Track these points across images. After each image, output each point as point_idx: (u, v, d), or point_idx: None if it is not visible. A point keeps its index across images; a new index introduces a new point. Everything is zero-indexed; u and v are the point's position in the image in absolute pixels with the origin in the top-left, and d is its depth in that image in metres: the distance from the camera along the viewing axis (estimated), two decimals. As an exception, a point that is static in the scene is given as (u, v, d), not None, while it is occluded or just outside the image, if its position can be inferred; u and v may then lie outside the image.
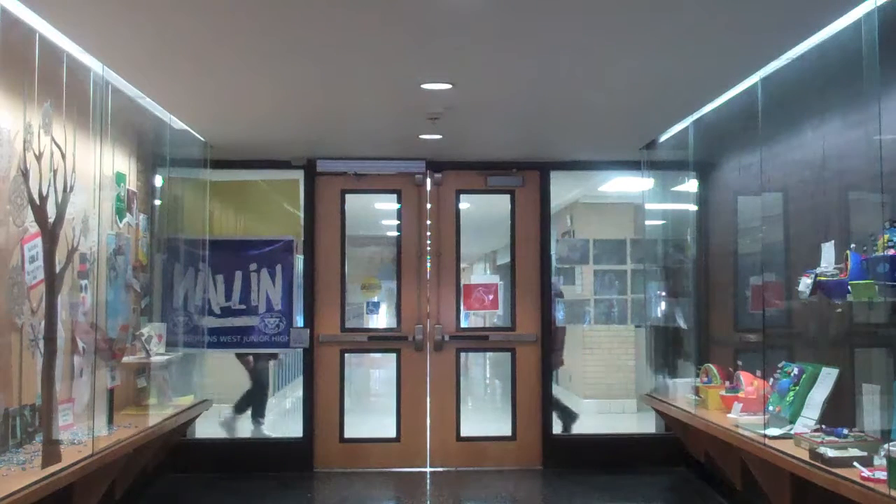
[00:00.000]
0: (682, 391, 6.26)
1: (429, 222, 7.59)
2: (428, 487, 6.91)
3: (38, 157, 4.20)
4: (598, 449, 7.27)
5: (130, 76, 4.82)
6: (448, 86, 4.93)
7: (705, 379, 6.00)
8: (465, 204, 10.61)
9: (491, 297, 7.77)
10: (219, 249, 7.06)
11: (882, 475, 3.42)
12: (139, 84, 4.98)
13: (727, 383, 5.76)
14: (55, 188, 4.27)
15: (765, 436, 4.51)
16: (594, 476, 6.84)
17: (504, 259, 9.46)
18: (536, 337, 7.43)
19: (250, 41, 4.20)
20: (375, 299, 7.96)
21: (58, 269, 4.24)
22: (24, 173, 4.12)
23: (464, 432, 7.41)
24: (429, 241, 7.58)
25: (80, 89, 4.54)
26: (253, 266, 7.20)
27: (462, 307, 7.69)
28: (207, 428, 7.46)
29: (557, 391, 7.96)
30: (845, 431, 4.13)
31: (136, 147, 6.18)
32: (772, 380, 5.08)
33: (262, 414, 7.99)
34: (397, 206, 7.57)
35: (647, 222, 7.73)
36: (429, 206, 7.54)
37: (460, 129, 6.21)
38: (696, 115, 5.84)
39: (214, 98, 5.37)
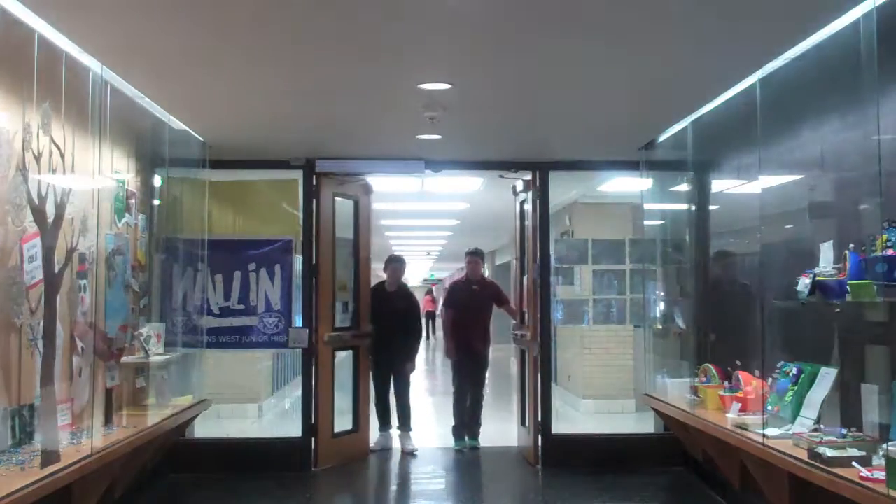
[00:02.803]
0: (680, 391, 6.27)
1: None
2: (426, 485, 6.91)
3: (38, 157, 4.21)
4: (596, 448, 7.27)
5: (129, 76, 4.82)
6: (447, 86, 4.94)
7: (704, 379, 6.00)
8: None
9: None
10: (218, 249, 7.06)
11: (881, 475, 3.42)
12: (138, 84, 4.98)
13: (726, 383, 5.77)
14: (54, 188, 4.27)
15: (763, 436, 4.51)
16: (593, 475, 6.84)
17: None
18: (532, 336, 7.40)
19: (249, 41, 4.20)
20: (346, 300, 7.94)
21: (57, 269, 4.24)
22: (24, 173, 4.12)
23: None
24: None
25: (80, 89, 4.54)
26: (252, 266, 7.19)
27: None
28: (207, 428, 7.46)
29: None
30: (844, 431, 4.14)
31: (135, 147, 6.18)
32: (770, 379, 5.08)
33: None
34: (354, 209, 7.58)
35: (646, 222, 7.74)
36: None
37: (459, 129, 6.21)
38: (694, 116, 5.85)
39: (213, 98, 5.37)
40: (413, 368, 8.20)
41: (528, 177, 7.52)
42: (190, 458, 6.88)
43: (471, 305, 8.19)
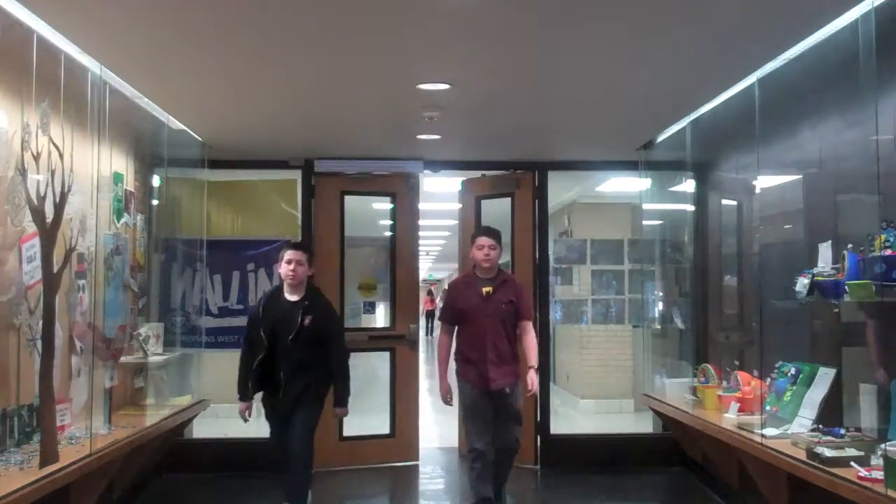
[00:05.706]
0: (679, 391, 6.27)
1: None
2: (421, 483, 6.91)
3: (36, 157, 4.20)
4: (595, 449, 7.27)
5: (128, 76, 4.82)
6: (446, 86, 4.94)
7: (703, 379, 6.01)
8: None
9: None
10: (216, 249, 7.06)
11: (879, 475, 3.43)
12: (137, 84, 4.98)
13: (724, 383, 5.77)
14: (53, 188, 4.27)
15: (762, 436, 4.52)
16: (592, 476, 6.85)
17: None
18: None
19: (248, 41, 4.20)
20: (372, 299, 7.95)
21: (55, 269, 4.23)
22: (22, 173, 4.12)
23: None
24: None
25: (78, 89, 4.54)
26: (251, 266, 7.20)
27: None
28: (205, 428, 7.45)
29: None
30: (842, 431, 4.15)
31: (134, 147, 6.18)
32: (769, 380, 5.09)
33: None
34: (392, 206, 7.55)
35: (645, 222, 7.74)
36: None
37: (458, 129, 6.21)
38: (693, 116, 5.85)
39: (212, 98, 5.37)
40: (345, 413, 5.48)
41: (500, 175, 7.47)
42: (188, 458, 6.87)
43: (481, 317, 5.36)
